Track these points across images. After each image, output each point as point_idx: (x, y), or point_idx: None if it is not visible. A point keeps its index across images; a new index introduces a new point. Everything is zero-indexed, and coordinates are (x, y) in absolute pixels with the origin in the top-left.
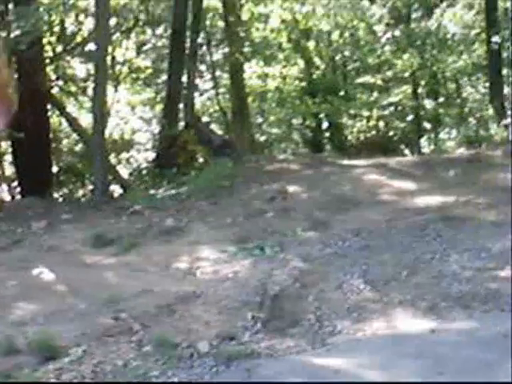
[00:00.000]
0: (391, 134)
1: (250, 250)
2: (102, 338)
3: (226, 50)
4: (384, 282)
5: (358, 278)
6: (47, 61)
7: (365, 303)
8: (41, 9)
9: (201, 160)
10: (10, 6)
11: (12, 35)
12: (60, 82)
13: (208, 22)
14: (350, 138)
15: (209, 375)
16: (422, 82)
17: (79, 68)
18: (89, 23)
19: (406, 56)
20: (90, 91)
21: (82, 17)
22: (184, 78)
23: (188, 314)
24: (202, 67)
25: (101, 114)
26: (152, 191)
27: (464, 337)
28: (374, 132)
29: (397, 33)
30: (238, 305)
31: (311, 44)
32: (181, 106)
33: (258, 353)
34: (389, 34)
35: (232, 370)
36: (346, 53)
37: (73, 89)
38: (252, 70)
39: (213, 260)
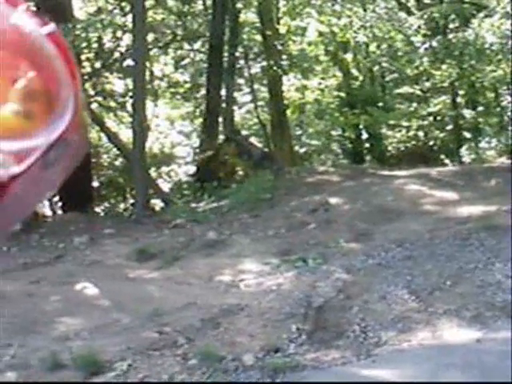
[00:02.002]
0: (431, 143)
1: (293, 262)
2: (147, 352)
3: (264, 63)
4: (428, 291)
5: (402, 289)
6: (86, 77)
7: (409, 313)
8: (78, 26)
9: (241, 173)
10: None
11: None
12: (99, 98)
13: (245, 36)
14: (389, 148)
15: None
16: (461, 92)
17: (118, 83)
18: (126, 39)
19: (444, 66)
20: (128, 106)
21: (119, 33)
22: (223, 92)
23: (232, 327)
24: (241, 81)
25: (140, 128)
26: (193, 205)
27: (510, 346)
28: (413, 142)
29: (434, 43)
30: (282, 317)
31: (349, 56)
32: (220, 119)
33: (303, 365)
34: (426, 45)
35: (278, 382)
36: (384, 64)
37: (112, 104)
38: (290, 83)
39: (256, 272)
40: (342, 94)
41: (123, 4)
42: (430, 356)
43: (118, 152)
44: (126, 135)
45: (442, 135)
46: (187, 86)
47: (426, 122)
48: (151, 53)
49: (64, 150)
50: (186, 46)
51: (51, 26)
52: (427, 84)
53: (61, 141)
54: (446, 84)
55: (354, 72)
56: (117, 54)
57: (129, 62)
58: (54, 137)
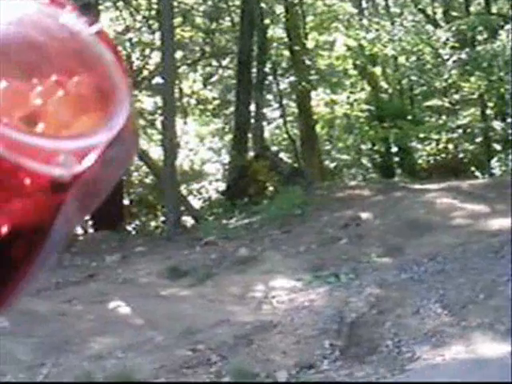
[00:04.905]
0: (461, 156)
1: (325, 277)
2: (181, 370)
3: (293, 78)
4: (461, 305)
5: (434, 303)
6: None
7: (443, 328)
8: None
9: (271, 189)
10: None
11: None
12: None
13: (273, 52)
14: (419, 161)
15: None
16: (490, 104)
17: (147, 101)
18: (155, 57)
19: (472, 78)
20: (158, 124)
21: (147, 51)
22: (252, 108)
23: (265, 344)
24: (269, 96)
25: (171, 145)
26: (224, 221)
27: None
28: (443, 155)
29: (463, 56)
30: (315, 333)
31: (377, 69)
32: (250, 135)
33: (337, 381)
34: (455, 57)
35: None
36: (413, 77)
37: (141, 122)
38: (319, 98)
39: (288, 289)
40: (371, 108)
41: (151, 22)
42: (464, 370)
43: (148, 170)
44: (156, 153)
45: (471, 147)
46: (216, 102)
47: (455, 135)
48: (180, 70)
49: (120, 149)
50: (215, 63)
51: (99, 25)
52: (456, 96)
53: (118, 139)
54: (474, 96)
55: (383, 85)
56: (145, 72)
57: (158, 79)
58: (113, 134)
